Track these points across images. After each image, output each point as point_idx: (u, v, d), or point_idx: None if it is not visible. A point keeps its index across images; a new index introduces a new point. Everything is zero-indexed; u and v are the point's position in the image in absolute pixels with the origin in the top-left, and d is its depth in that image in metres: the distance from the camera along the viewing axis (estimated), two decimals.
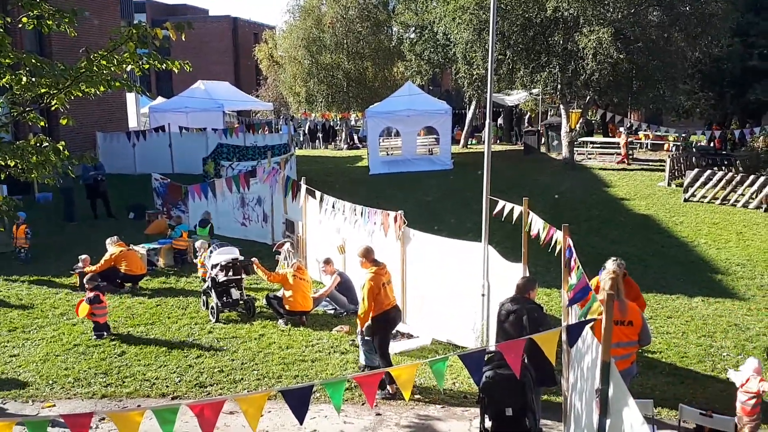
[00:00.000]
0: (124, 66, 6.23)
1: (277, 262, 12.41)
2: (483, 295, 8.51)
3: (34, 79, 6.37)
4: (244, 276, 10.78)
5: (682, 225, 16.40)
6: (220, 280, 10.51)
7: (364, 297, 7.75)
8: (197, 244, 12.47)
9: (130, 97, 30.28)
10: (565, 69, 22.42)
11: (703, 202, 18.61)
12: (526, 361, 5.84)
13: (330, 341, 9.37)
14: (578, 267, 5.85)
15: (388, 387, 7.70)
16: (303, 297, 10.18)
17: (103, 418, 7.02)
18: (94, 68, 6.22)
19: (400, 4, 32.11)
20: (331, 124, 36.91)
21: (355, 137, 37.20)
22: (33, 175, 6.79)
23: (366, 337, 7.92)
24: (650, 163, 25.51)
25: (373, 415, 7.31)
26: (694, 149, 26.15)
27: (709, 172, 19.07)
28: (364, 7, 34.47)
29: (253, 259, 10.81)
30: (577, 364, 5.74)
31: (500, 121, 36.35)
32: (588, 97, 24.14)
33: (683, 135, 28.55)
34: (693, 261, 13.49)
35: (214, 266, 10.66)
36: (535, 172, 23.45)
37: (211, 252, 11.11)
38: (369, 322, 7.78)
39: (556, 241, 7.06)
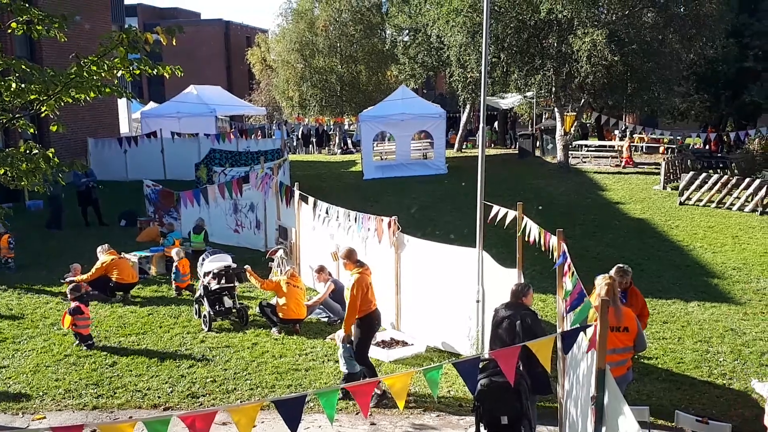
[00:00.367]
0: (115, 71, 6.22)
1: (270, 269, 12.42)
2: (478, 301, 8.52)
3: (23, 86, 6.36)
4: (236, 284, 10.77)
5: (678, 229, 16.47)
6: (212, 288, 10.50)
7: (352, 298, 7.78)
8: (173, 253, 12.44)
9: (122, 103, 30.24)
10: (559, 71, 22.52)
11: (698, 205, 18.69)
12: (521, 368, 5.85)
13: (324, 350, 9.36)
14: (573, 272, 5.87)
15: (376, 389, 7.71)
16: (296, 305, 10.18)
17: (94, 430, 7.00)
18: (85, 74, 6.21)
19: (393, 6, 32.21)
20: (325, 128, 36.94)
21: (349, 142, 37.21)
22: (23, 183, 6.77)
23: (346, 344, 7.94)
24: (645, 167, 25.60)
25: (367, 424, 7.31)
26: (689, 152, 26.25)
27: (704, 175, 19.15)
28: (357, 10, 34.55)
29: (245, 266, 10.80)
30: (572, 370, 5.76)
31: (495, 124, 36.47)
32: (582, 100, 24.25)
33: (678, 137, 28.69)
34: (689, 265, 13.54)
35: (206, 274, 10.64)
36: (529, 176, 23.51)
37: (203, 259, 11.10)
38: (355, 323, 7.81)
39: (552, 247, 7.08)
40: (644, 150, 29.77)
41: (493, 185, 21.03)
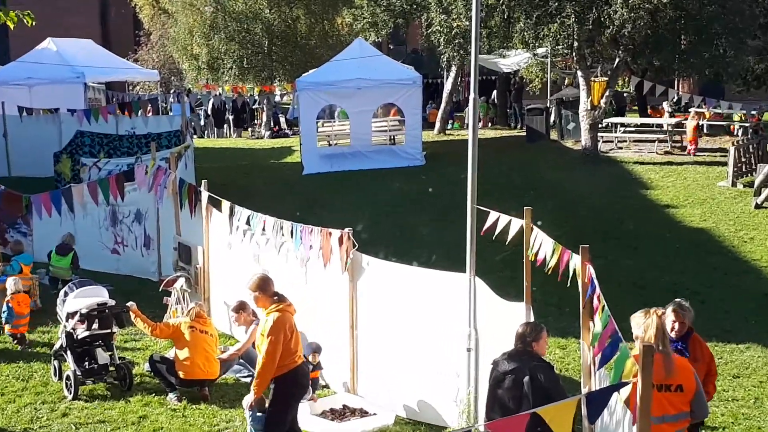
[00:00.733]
0: None
1: (166, 306, 12.29)
2: (469, 349, 8.55)
3: None
4: (115, 329, 10.64)
5: (753, 242, 16.79)
6: (79, 337, 10.34)
7: (265, 347, 7.74)
8: (8, 283, 12.30)
9: None
10: (584, 19, 22.72)
11: None
12: None
13: (246, 425, 9.28)
14: (603, 307, 5.93)
15: None
16: (204, 359, 10.10)
17: None
18: None
19: None
20: (247, 101, 36.74)
21: (282, 120, 37.01)
22: None
23: (257, 412, 7.93)
24: (706, 154, 26.01)
25: None
26: None
27: None
28: None
29: (129, 303, 10.67)
30: None
31: (493, 95, 36.71)
32: (617, 60, 24.53)
33: (753, 112, 29.09)
34: None
35: (70, 315, 10.48)
36: (542, 168, 23.74)
37: (65, 294, 10.94)
38: (272, 384, 7.82)
39: (574, 271, 7.15)
40: (704, 131, 30.23)
41: (490, 182, 21.15)
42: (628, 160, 25.10)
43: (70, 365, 10.30)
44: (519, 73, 34.95)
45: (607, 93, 25.13)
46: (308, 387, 8.52)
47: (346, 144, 26.12)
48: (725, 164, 22.58)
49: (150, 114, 29.01)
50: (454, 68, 31.16)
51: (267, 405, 7.93)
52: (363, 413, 9.45)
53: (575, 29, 23.02)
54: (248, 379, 10.57)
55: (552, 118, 30.00)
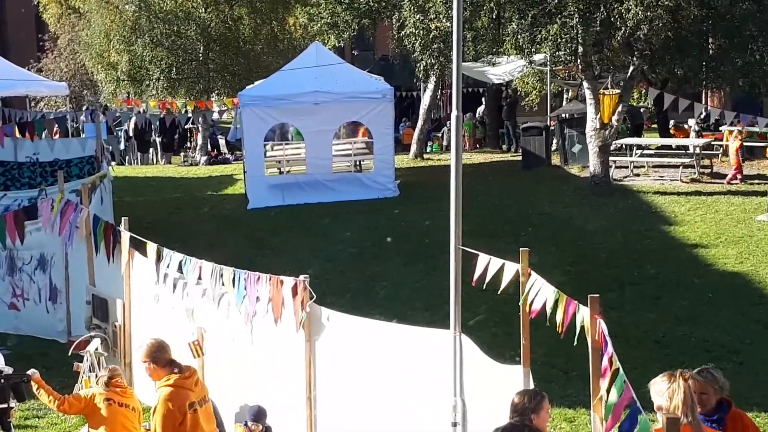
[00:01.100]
0: None
1: (77, 374, 12.17)
2: (455, 424, 8.53)
3: None
4: (13, 404, 10.47)
5: None
6: None
7: (159, 427, 7.89)
8: None
9: None
10: (590, 18, 22.91)
11: None
12: None
13: None
14: (618, 371, 5.96)
15: None
16: None
17: None
18: None
19: None
20: (177, 119, 36.70)
21: (222, 143, 36.99)
22: None
23: None
24: (741, 182, 26.21)
25: None
26: None
27: None
28: None
29: (30, 371, 10.56)
30: None
31: (480, 111, 36.94)
32: (632, 68, 24.76)
33: None
34: None
35: None
36: (541, 201, 23.89)
37: None
38: None
39: (581, 326, 7.18)
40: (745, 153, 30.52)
41: (478, 218, 21.27)
42: (646, 190, 25.25)
43: None
44: (512, 85, 35.17)
45: (619, 108, 25.20)
46: None
47: (302, 171, 26.13)
48: (765, 194, 22.79)
49: (57, 136, 28.87)
50: (432, 79, 31.27)
51: None
52: None
53: (580, 31, 23.11)
54: None
55: (553, 139, 30.14)
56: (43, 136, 26.49)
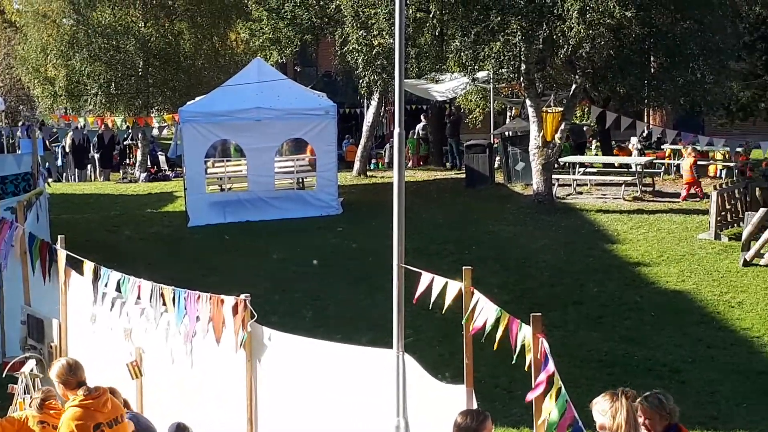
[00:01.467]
0: None
1: (11, 396, 11.98)
2: None
3: None
4: None
5: (742, 308, 17.05)
6: None
7: None
8: None
9: None
10: (532, 36, 23.01)
11: None
12: None
13: None
14: (560, 390, 5.97)
15: None
16: None
17: None
18: None
19: None
20: (116, 135, 36.38)
21: (162, 159, 36.74)
22: None
23: None
24: (683, 201, 26.45)
25: None
26: (759, 174, 27.07)
27: None
28: None
29: None
30: None
31: (419, 128, 36.94)
32: (574, 86, 24.92)
33: (739, 149, 29.62)
34: (763, 371, 14.02)
35: None
36: (485, 219, 23.93)
37: None
38: None
39: (523, 345, 7.19)
40: (678, 171, 30.73)
41: (421, 236, 21.28)
42: (589, 208, 25.38)
43: None
44: (455, 102, 35.27)
45: (562, 126, 25.33)
46: None
47: (243, 189, 26.02)
48: (706, 212, 22.86)
49: None
50: (376, 95, 31.21)
51: None
52: None
53: (522, 49, 23.20)
54: None
55: (497, 157, 30.26)
56: None
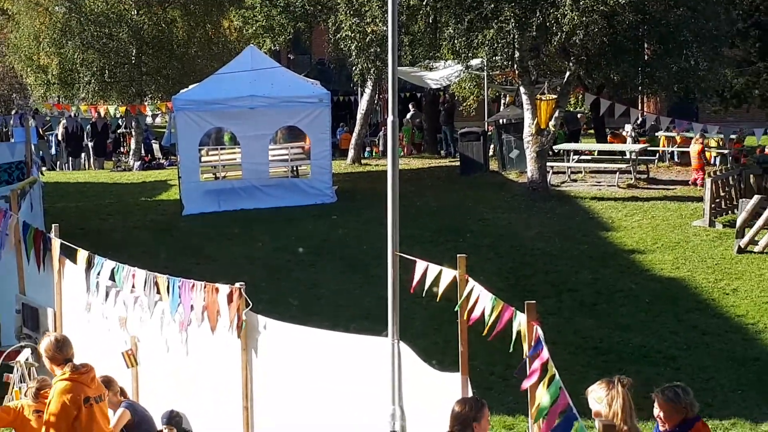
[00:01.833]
0: None
1: (6, 385, 12.01)
2: None
3: None
4: None
5: (737, 295, 17.12)
6: None
7: (50, 424, 7.98)
8: None
9: None
10: (526, 23, 22.98)
11: None
12: None
13: None
14: (553, 377, 6.00)
15: None
16: None
17: None
18: None
19: None
20: (109, 123, 36.35)
21: (156, 147, 36.68)
22: None
23: None
24: (677, 188, 26.49)
25: None
26: (753, 161, 27.09)
27: None
28: None
29: None
30: None
31: (408, 116, 36.88)
32: (568, 73, 24.91)
33: (733, 137, 29.63)
34: (758, 358, 14.08)
35: None
36: (479, 206, 23.94)
37: None
38: None
39: (518, 333, 7.22)
40: (675, 158, 30.76)
41: (416, 224, 21.25)
42: (584, 196, 25.38)
43: None
44: (449, 90, 35.23)
45: (556, 114, 25.28)
46: None
47: (237, 177, 25.97)
48: (701, 199, 22.91)
49: None
50: (369, 83, 31.20)
51: None
52: None
53: (516, 36, 23.11)
54: None
55: (491, 145, 30.26)
56: None
